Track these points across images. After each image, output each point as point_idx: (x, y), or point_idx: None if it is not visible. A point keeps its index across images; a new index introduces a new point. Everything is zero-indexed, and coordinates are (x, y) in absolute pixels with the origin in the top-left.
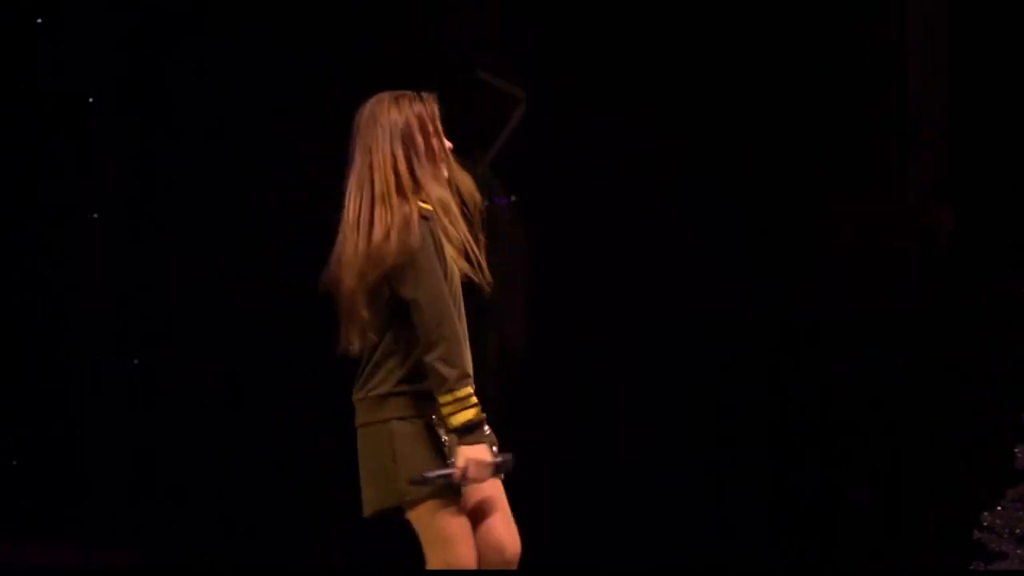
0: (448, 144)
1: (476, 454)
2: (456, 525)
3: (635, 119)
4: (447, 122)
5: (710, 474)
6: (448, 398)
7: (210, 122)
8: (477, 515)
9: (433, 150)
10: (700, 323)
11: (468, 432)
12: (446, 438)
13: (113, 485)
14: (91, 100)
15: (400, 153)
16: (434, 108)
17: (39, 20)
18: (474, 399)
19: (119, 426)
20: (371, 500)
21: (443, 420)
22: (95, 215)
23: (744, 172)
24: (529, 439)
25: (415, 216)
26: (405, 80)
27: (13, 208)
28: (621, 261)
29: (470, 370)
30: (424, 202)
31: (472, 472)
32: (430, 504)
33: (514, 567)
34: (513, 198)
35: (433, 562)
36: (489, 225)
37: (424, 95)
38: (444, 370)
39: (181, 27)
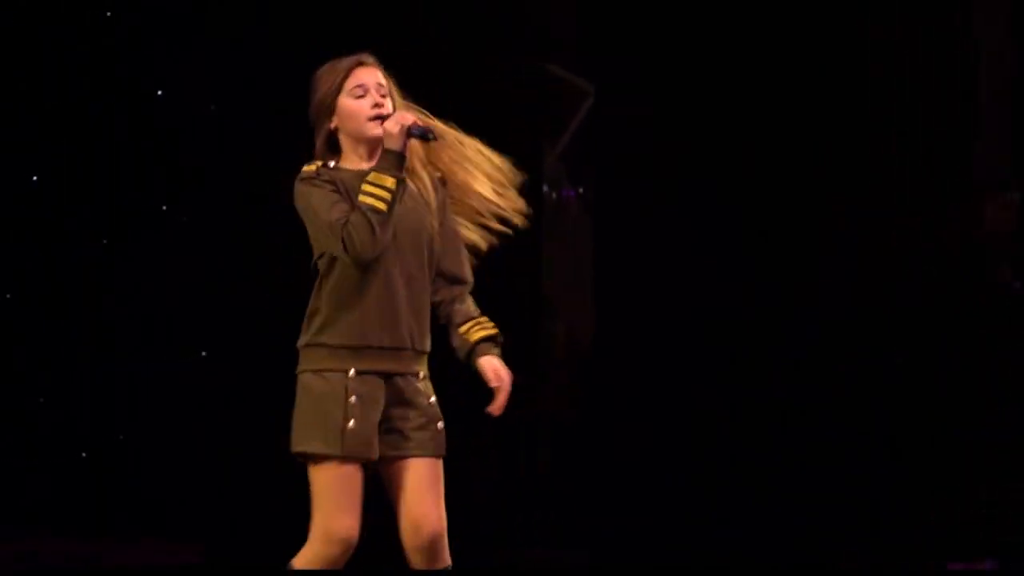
0: (379, 104)
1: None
2: (336, 491)
3: (702, 112)
4: (512, 113)
5: (774, 464)
6: (370, 189)
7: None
8: (400, 489)
9: (353, 112)
10: (767, 316)
11: (388, 156)
12: (353, 399)
13: (182, 479)
14: (159, 93)
15: (318, 128)
16: (342, 68)
17: (108, 14)
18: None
19: (189, 419)
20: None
21: (360, 375)
22: (164, 208)
23: (820, 167)
24: (596, 431)
25: (302, 175)
26: (475, 73)
27: (86, 204)
28: (687, 253)
29: (368, 339)
30: (336, 161)
31: (400, 117)
32: (315, 463)
33: (435, 546)
34: (580, 190)
35: (312, 522)
36: (557, 217)
37: (352, 56)
38: (349, 232)
39: (251, 22)
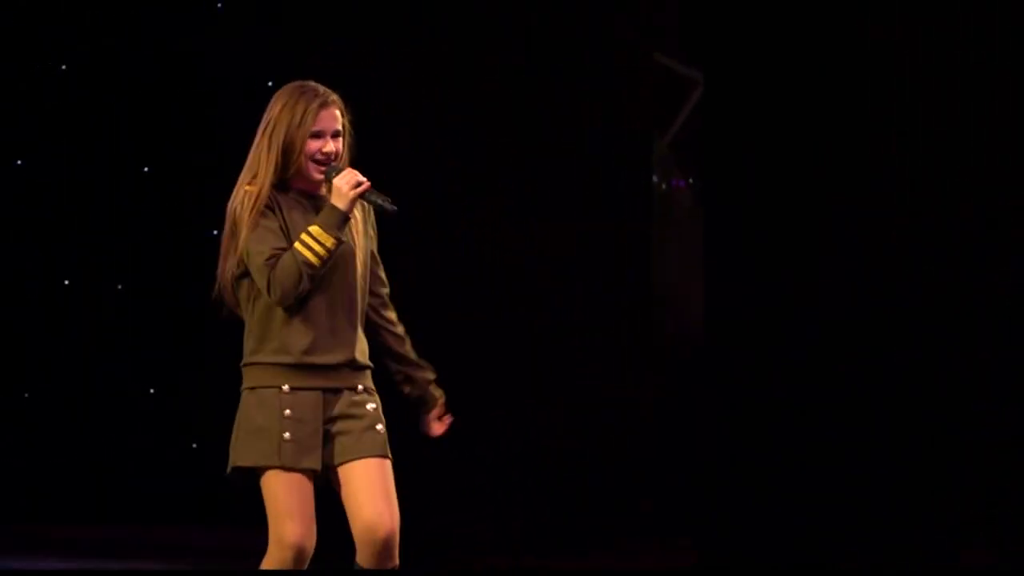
0: (327, 148)
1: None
2: (281, 499)
3: (812, 101)
4: (622, 104)
5: (879, 456)
6: (309, 242)
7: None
8: (351, 492)
9: (294, 147)
10: (874, 308)
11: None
12: (288, 412)
13: None
14: (270, 84)
15: (263, 145)
16: (316, 109)
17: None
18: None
19: None
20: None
21: (295, 390)
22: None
23: (938, 159)
24: (705, 424)
25: (242, 191)
26: (584, 65)
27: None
28: (798, 244)
29: (303, 356)
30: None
31: (353, 176)
32: (259, 476)
33: (388, 547)
34: (690, 180)
35: (269, 531)
36: (667, 208)
37: (321, 93)
38: (276, 276)
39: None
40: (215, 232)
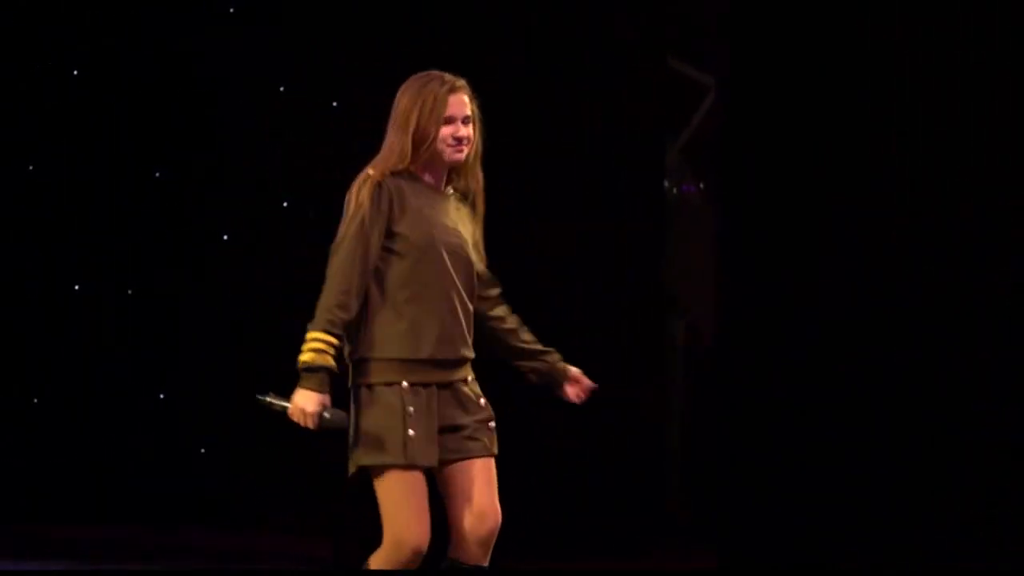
0: (460, 132)
1: (301, 400)
2: (405, 500)
3: (824, 105)
4: (633, 109)
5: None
6: (307, 335)
7: None
8: (462, 487)
9: (427, 134)
10: (887, 311)
11: (303, 371)
12: (411, 409)
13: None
14: (281, 89)
15: (394, 135)
16: (444, 95)
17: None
18: (320, 344)
19: None
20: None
21: (413, 387)
22: (284, 203)
23: (940, 161)
24: (717, 427)
25: (363, 176)
26: (597, 70)
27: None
28: (810, 248)
29: (422, 352)
30: (398, 173)
31: (295, 415)
32: (380, 475)
33: (492, 537)
34: (702, 185)
35: (384, 530)
36: (679, 212)
37: (448, 80)
38: (317, 310)
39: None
40: (225, 237)
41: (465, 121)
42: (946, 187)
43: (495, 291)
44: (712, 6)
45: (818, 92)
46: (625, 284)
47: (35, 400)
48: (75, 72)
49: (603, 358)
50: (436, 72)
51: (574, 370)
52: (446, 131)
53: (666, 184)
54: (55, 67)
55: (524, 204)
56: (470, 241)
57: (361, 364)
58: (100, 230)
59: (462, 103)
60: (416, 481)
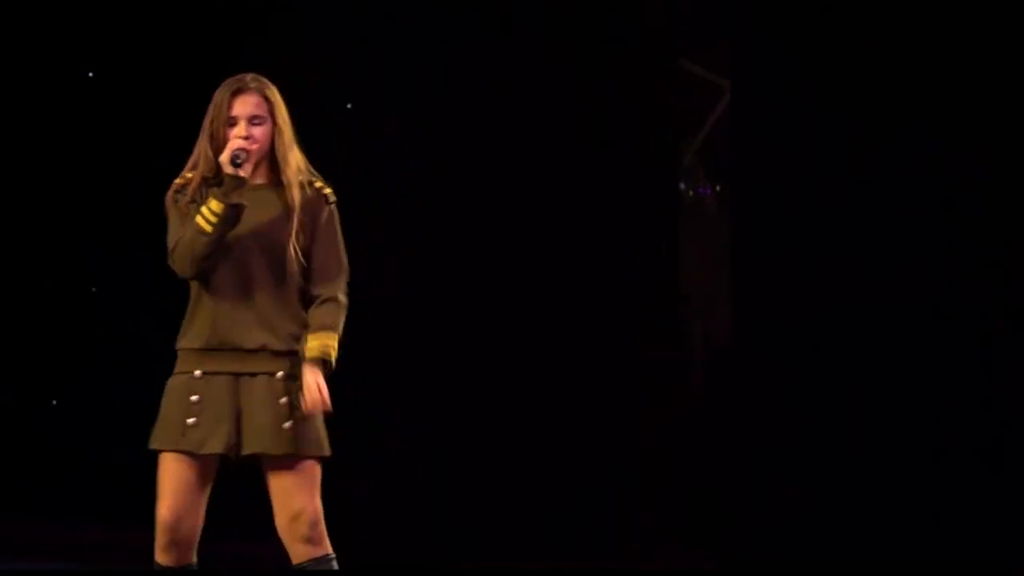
0: (243, 132)
1: None
2: (165, 481)
3: (838, 108)
4: (649, 112)
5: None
6: (204, 211)
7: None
8: (271, 487)
9: (220, 138)
10: (905, 313)
11: None
12: (194, 397)
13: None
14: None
15: (200, 142)
16: (229, 98)
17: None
18: None
19: None
20: None
21: (206, 375)
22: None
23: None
24: (733, 427)
25: (173, 184)
26: (612, 72)
27: None
28: (825, 250)
29: (213, 340)
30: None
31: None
32: (159, 457)
33: (309, 530)
34: (717, 188)
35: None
36: (694, 215)
37: (235, 82)
38: (178, 251)
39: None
40: None
41: (253, 121)
42: (962, 189)
43: (325, 284)
44: (726, 8)
45: (830, 91)
46: (640, 286)
47: (53, 402)
48: (90, 74)
49: (618, 359)
50: (238, 75)
51: (308, 375)
52: (230, 133)
53: (682, 187)
54: (70, 70)
55: (539, 206)
56: (283, 233)
57: (177, 355)
58: (117, 232)
59: (247, 103)
60: (182, 466)
